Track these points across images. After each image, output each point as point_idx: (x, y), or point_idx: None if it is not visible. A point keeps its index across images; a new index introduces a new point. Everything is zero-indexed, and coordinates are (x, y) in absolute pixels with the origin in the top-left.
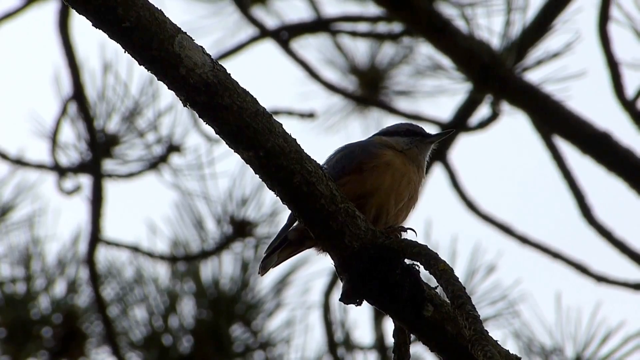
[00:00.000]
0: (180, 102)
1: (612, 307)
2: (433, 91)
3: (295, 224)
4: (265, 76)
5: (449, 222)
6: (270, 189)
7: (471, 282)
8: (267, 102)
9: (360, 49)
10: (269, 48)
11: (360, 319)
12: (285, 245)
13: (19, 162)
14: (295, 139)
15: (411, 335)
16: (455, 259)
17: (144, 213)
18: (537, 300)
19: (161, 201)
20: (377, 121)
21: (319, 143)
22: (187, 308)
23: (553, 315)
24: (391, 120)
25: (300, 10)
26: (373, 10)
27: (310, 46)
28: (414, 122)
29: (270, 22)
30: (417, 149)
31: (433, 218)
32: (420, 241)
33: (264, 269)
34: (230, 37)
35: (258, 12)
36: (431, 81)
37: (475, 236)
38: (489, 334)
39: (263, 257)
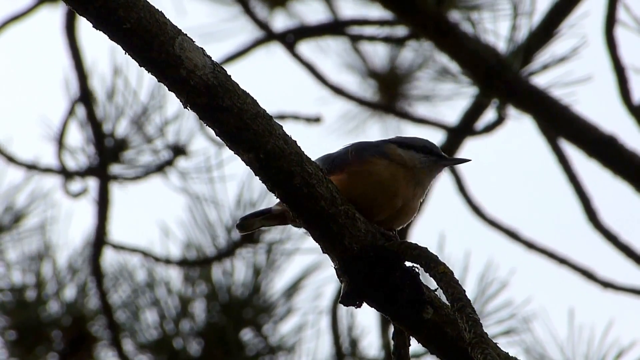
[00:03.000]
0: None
1: (621, 314)
2: (443, 95)
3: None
4: (284, 80)
5: (457, 227)
6: (270, 190)
7: (482, 297)
8: (283, 106)
9: (378, 52)
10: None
11: (368, 327)
12: (267, 216)
13: (27, 166)
14: (295, 141)
15: (411, 337)
16: (467, 272)
17: (153, 216)
18: (548, 312)
19: (171, 204)
20: (397, 125)
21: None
22: (198, 311)
23: (565, 331)
24: (404, 125)
25: (322, 13)
26: (380, 13)
27: (330, 49)
28: (430, 139)
29: (291, 25)
30: (428, 170)
31: (445, 227)
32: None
33: (242, 227)
34: (254, 35)
35: (279, 15)
36: (441, 85)
37: (484, 241)
38: (489, 337)
39: (241, 217)
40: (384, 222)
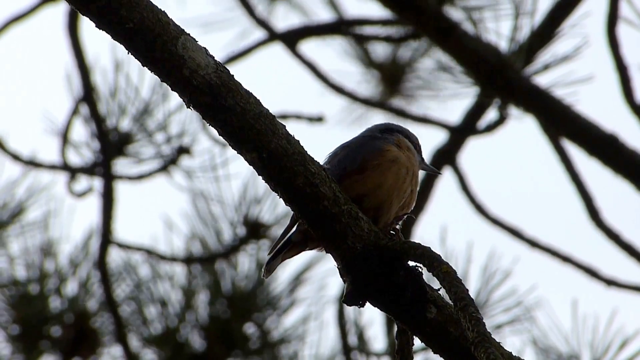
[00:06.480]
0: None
1: (625, 310)
2: (445, 95)
3: (298, 226)
4: (286, 79)
5: (461, 225)
6: (273, 190)
7: (486, 288)
8: (286, 105)
9: (379, 49)
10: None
11: (374, 324)
12: (289, 247)
13: (32, 163)
14: (298, 141)
15: (414, 336)
16: (469, 264)
17: (158, 214)
18: (552, 306)
19: (176, 202)
20: (399, 123)
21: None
22: (202, 305)
23: (569, 322)
24: (406, 124)
25: (323, 7)
26: (381, 13)
27: (333, 41)
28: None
29: (295, 19)
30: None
31: (447, 222)
32: (436, 247)
33: (269, 272)
34: (256, 29)
35: (281, 9)
36: (443, 85)
37: (487, 239)
38: (492, 336)
39: (267, 260)
40: (403, 205)
